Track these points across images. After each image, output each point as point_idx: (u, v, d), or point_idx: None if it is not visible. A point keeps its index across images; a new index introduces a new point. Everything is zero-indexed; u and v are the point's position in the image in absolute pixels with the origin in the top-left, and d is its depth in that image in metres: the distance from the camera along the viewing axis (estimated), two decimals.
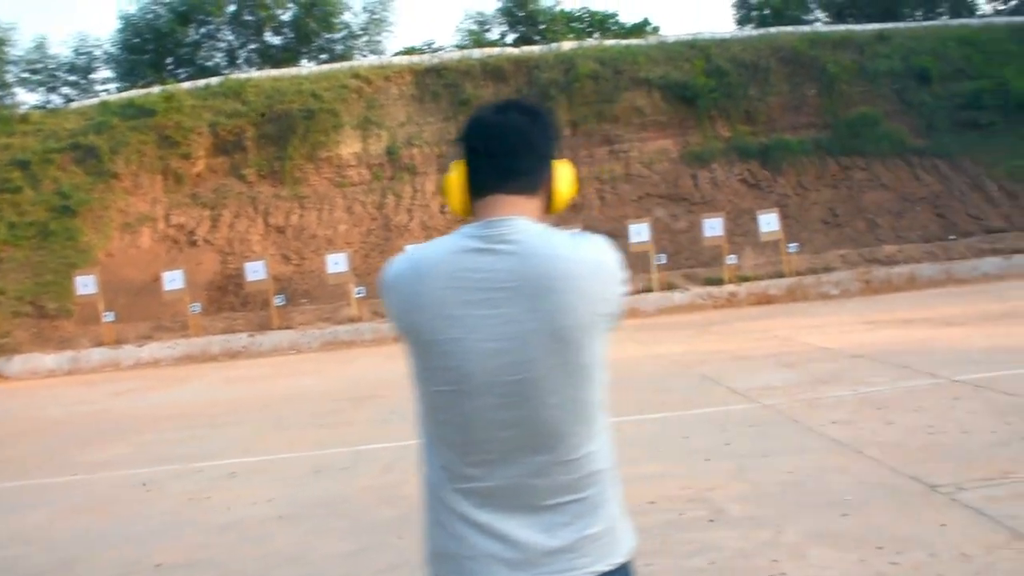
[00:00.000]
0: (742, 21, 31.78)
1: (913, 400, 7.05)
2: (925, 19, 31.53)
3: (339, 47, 29.99)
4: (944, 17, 32.07)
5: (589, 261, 1.57)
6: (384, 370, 12.05)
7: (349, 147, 22.61)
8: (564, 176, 1.72)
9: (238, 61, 30.49)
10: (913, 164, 21.32)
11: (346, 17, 30.49)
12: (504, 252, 1.55)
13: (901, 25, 26.87)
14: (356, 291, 17.63)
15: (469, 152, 1.66)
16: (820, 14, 31.85)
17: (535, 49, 25.02)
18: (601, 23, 30.57)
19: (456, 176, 1.70)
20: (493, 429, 1.55)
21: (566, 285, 1.53)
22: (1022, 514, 4.34)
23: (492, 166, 1.63)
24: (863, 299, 15.82)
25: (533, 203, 1.66)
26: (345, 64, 25.85)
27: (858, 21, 29.73)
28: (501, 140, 1.64)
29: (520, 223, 1.59)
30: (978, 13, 33.55)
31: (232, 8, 29.79)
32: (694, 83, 22.44)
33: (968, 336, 9.84)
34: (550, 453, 1.56)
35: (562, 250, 1.56)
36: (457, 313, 1.54)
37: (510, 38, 29.59)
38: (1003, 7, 34.23)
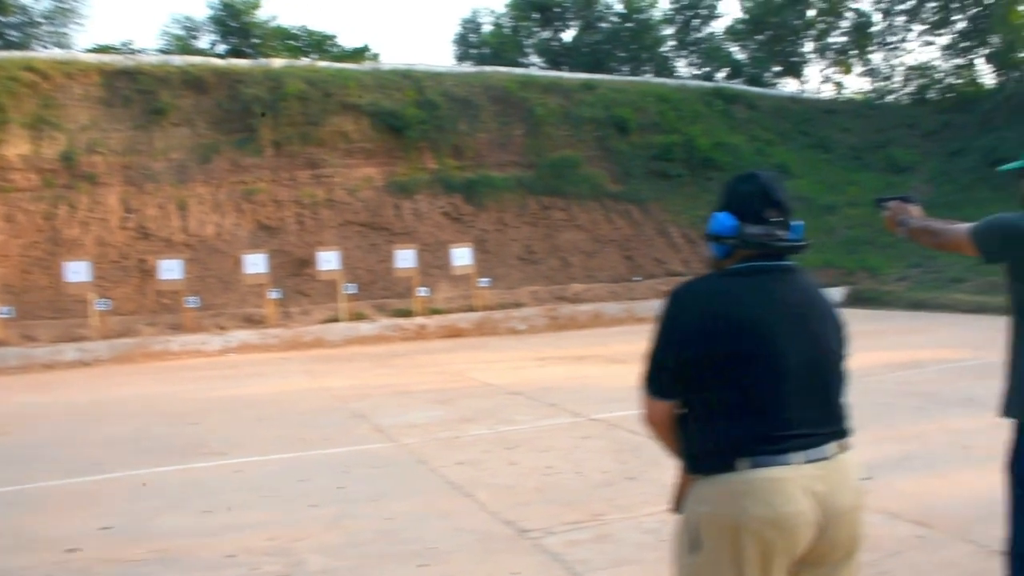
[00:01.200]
0: (461, 58, 32.40)
1: (545, 440, 6.94)
2: (632, 74, 33.88)
3: (14, 34, 26.91)
4: (648, 75, 34.63)
5: None
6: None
7: (15, 147, 20.11)
8: None
9: None
10: (608, 208, 22.45)
11: (25, 0, 27.47)
12: None
13: (607, 77, 28.52)
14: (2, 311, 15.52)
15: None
16: (536, 59, 33.23)
17: (242, 62, 23.84)
18: (319, 44, 29.89)
19: None
20: None
21: None
22: (593, 558, 4.17)
23: None
24: (548, 335, 16.15)
25: None
26: (18, 53, 23.20)
27: (571, 69, 31.33)
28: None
29: None
30: (676, 75, 36.57)
31: None
32: (404, 113, 22.31)
33: (628, 373, 10.12)
34: None
35: None
36: None
37: (220, 48, 28.11)
38: (697, 72, 37.60)
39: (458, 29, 32.16)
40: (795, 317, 2.10)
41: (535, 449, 6.62)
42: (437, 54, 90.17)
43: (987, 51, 37.46)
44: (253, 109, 21.37)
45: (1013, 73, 35.48)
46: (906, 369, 9.92)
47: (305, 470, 6.38)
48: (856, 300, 19.76)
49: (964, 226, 2.78)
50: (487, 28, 32.91)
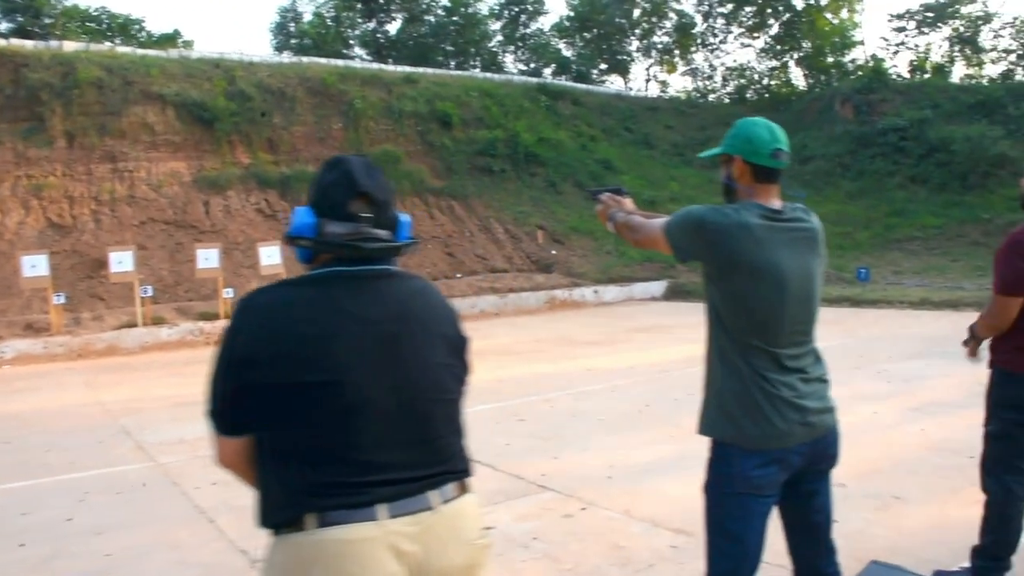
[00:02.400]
0: (280, 48, 31.24)
1: None
2: (459, 69, 33.65)
3: None
4: (476, 70, 34.51)
5: None
6: None
7: None
8: None
9: None
10: (430, 204, 22.11)
11: None
12: None
13: (430, 71, 28.17)
14: None
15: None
16: (360, 51, 32.46)
17: (27, 44, 22.00)
18: (123, 28, 28.04)
19: None
20: None
21: None
22: None
23: None
24: None
25: None
26: None
27: (396, 62, 30.79)
28: None
29: None
30: (505, 71, 36.67)
31: None
32: (214, 104, 21.18)
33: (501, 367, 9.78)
34: None
35: None
36: None
37: (3, 28, 25.83)
38: (525, 68, 37.86)
39: (276, 18, 31.02)
40: (380, 336, 1.71)
41: None
42: (256, 43, 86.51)
43: (799, 55, 39.58)
44: (40, 96, 19.71)
45: (821, 76, 37.62)
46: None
47: (33, 501, 5.65)
48: (675, 293, 20.24)
49: (659, 221, 2.52)
50: (309, 18, 31.94)
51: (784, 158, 2.35)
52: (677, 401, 7.73)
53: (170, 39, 27.96)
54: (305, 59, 25.73)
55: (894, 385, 8.18)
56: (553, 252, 21.47)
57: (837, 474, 2.59)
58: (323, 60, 26.11)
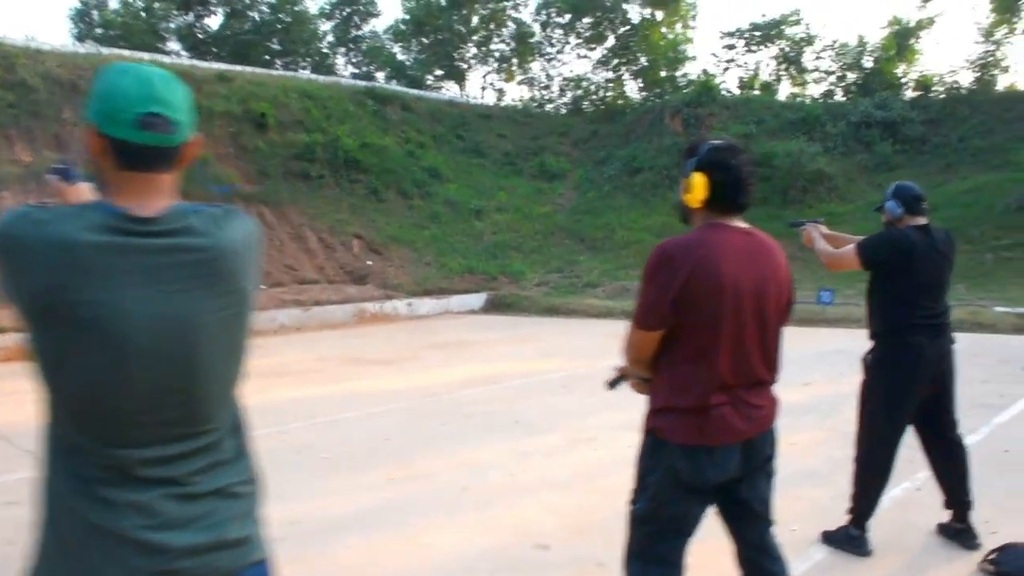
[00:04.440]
0: (81, 38, 29.03)
1: None
2: (284, 69, 32.24)
3: None
4: (305, 71, 33.18)
5: None
6: None
7: None
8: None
9: None
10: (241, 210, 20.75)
11: None
12: None
13: (246, 69, 26.74)
14: None
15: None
16: (176, 45, 30.61)
17: None
18: None
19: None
20: None
21: None
22: None
23: None
24: None
25: None
26: None
27: (218, 59, 29.14)
28: None
29: None
30: (336, 72, 35.51)
31: None
32: None
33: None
34: None
35: None
36: None
37: None
38: (357, 71, 36.81)
39: (77, 4, 28.52)
40: None
41: None
42: (55, 33, 79.03)
43: (635, 68, 40.19)
44: None
45: (655, 89, 38.27)
46: (486, 384, 9.40)
47: None
48: (494, 306, 19.72)
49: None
50: (115, 5, 29.70)
51: (162, 129, 1.44)
52: (422, 435, 6.99)
53: None
54: (105, 50, 23.85)
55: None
56: (369, 263, 20.54)
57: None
58: (127, 52, 24.30)
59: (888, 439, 4.06)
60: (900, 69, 36.18)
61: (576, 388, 8.85)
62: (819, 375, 9.48)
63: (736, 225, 2.48)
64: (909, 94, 32.82)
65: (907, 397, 4.01)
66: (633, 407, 7.01)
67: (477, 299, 19.83)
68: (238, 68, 25.97)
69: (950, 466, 4.20)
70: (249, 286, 1.56)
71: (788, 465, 3.53)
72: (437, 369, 10.66)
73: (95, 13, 28.22)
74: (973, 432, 6.26)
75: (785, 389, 2.66)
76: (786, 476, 3.15)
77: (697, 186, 2.43)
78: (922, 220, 4.06)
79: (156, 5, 29.41)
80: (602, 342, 13.51)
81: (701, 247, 2.39)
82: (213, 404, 1.52)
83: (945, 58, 71.84)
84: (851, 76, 36.65)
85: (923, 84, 33.70)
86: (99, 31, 27.84)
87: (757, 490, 2.57)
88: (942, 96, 31.22)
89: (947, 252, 4.06)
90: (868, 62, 36.47)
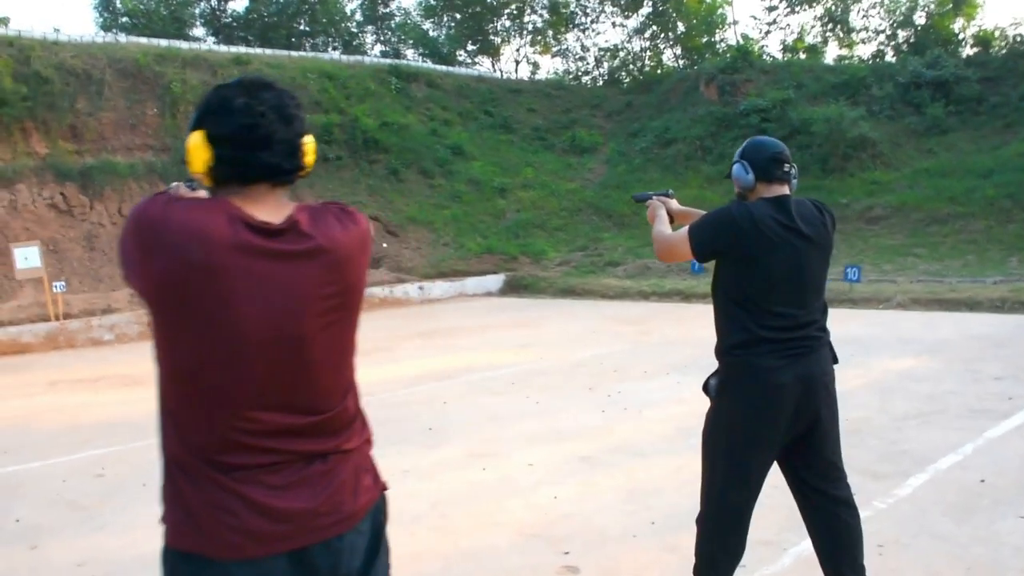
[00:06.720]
0: (107, 27, 29.27)
1: None
2: (313, 51, 32.20)
3: None
4: (336, 51, 33.09)
5: None
6: None
7: None
8: None
9: None
10: None
11: None
12: None
13: (264, 51, 26.73)
14: None
15: None
16: (202, 31, 30.76)
17: None
18: None
19: None
20: None
21: None
22: None
23: None
24: (139, 345, 14.13)
25: None
26: None
27: (245, 43, 29.21)
28: None
29: None
30: (365, 51, 35.36)
31: None
32: (2, 88, 19.41)
33: (127, 402, 8.55)
34: None
35: None
36: None
37: None
38: (386, 50, 36.59)
39: None
40: None
41: None
42: (81, 22, 79.68)
43: (672, 35, 39.26)
44: None
45: (693, 56, 37.33)
46: (436, 380, 8.95)
47: None
48: (511, 288, 19.43)
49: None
50: None
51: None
52: None
53: None
54: (123, 38, 24.01)
55: (606, 416, 6.89)
56: (384, 245, 20.38)
57: None
58: (143, 40, 24.44)
59: (737, 492, 2.96)
60: (957, 24, 34.53)
61: (522, 387, 8.26)
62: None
63: None
64: (967, 52, 31.26)
65: (756, 440, 2.92)
66: (551, 417, 6.65)
67: (495, 281, 19.54)
68: (256, 51, 25.97)
69: (832, 534, 3.05)
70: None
71: None
72: (399, 363, 10.16)
73: (118, 2, 28.49)
74: (954, 450, 5.38)
75: None
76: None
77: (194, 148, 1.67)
78: (782, 189, 2.98)
79: None
80: (596, 325, 13.10)
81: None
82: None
83: (1008, 9, 65.77)
84: (902, 34, 35.16)
85: (983, 39, 32.06)
86: (124, 20, 28.08)
87: None
88: (1003, 52, 29.54)
89: (816, 235, 2.94)
90: (920, 18, 34.90)
